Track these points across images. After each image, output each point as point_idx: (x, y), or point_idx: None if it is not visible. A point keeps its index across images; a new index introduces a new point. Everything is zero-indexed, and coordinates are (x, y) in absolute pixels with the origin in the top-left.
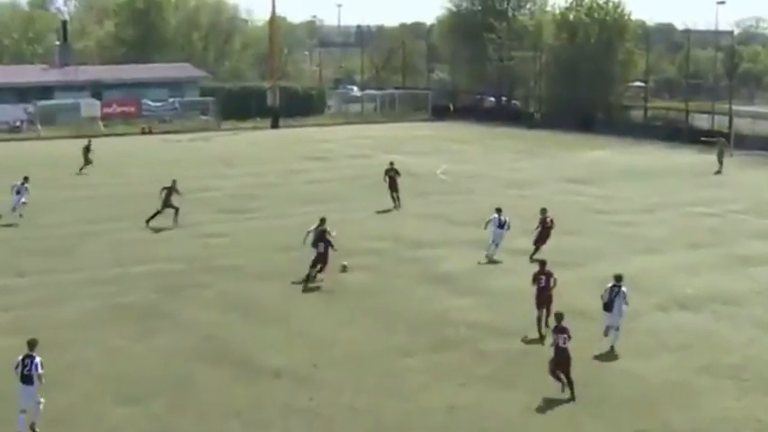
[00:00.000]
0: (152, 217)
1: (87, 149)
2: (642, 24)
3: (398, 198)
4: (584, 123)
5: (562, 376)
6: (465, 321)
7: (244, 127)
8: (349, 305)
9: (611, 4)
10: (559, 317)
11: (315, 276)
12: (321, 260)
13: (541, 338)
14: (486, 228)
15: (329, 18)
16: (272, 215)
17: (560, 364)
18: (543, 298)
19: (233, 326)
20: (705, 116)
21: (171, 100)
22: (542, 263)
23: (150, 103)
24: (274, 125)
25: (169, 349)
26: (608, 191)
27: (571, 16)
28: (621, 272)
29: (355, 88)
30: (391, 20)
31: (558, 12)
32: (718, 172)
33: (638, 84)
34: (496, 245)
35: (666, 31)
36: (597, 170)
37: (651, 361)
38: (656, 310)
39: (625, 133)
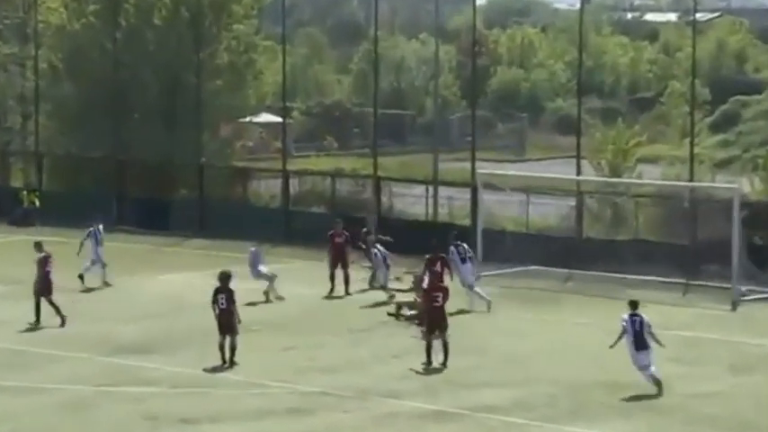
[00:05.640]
0: None
1: None
2: None
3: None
4: (151, 213)
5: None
6: None
7: None
8: None
9: None
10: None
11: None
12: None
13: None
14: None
15: None
16: None
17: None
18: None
19: None
20: (418, 189)
21: None
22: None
23: None
24: None
25: None
26: (175, 364)
27: None
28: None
29: None
30: None
31: None
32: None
33: (265, 119)
34: (471, 286)
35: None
36: (170, 323)
37: None
38: None
39: (238, 229)
